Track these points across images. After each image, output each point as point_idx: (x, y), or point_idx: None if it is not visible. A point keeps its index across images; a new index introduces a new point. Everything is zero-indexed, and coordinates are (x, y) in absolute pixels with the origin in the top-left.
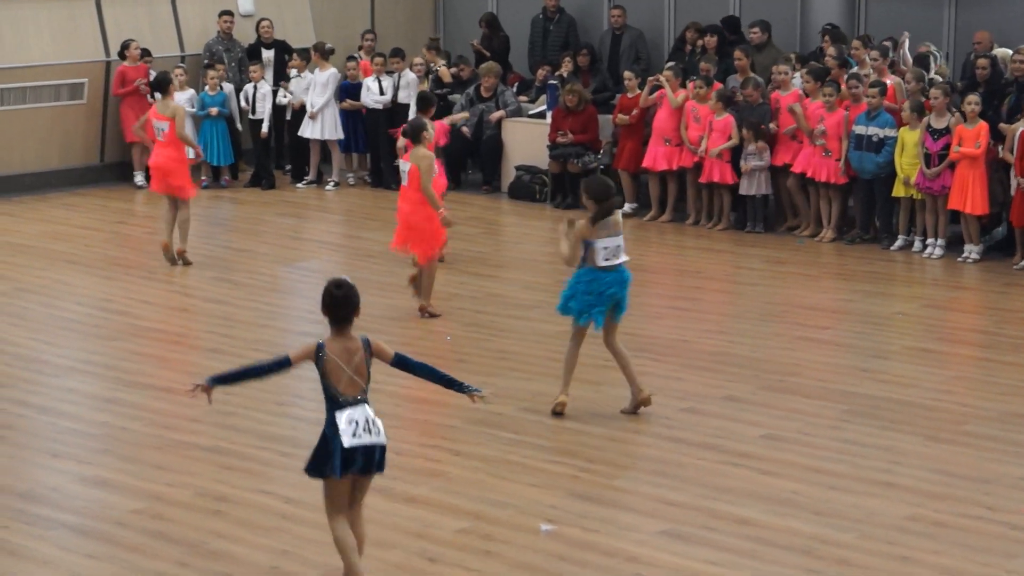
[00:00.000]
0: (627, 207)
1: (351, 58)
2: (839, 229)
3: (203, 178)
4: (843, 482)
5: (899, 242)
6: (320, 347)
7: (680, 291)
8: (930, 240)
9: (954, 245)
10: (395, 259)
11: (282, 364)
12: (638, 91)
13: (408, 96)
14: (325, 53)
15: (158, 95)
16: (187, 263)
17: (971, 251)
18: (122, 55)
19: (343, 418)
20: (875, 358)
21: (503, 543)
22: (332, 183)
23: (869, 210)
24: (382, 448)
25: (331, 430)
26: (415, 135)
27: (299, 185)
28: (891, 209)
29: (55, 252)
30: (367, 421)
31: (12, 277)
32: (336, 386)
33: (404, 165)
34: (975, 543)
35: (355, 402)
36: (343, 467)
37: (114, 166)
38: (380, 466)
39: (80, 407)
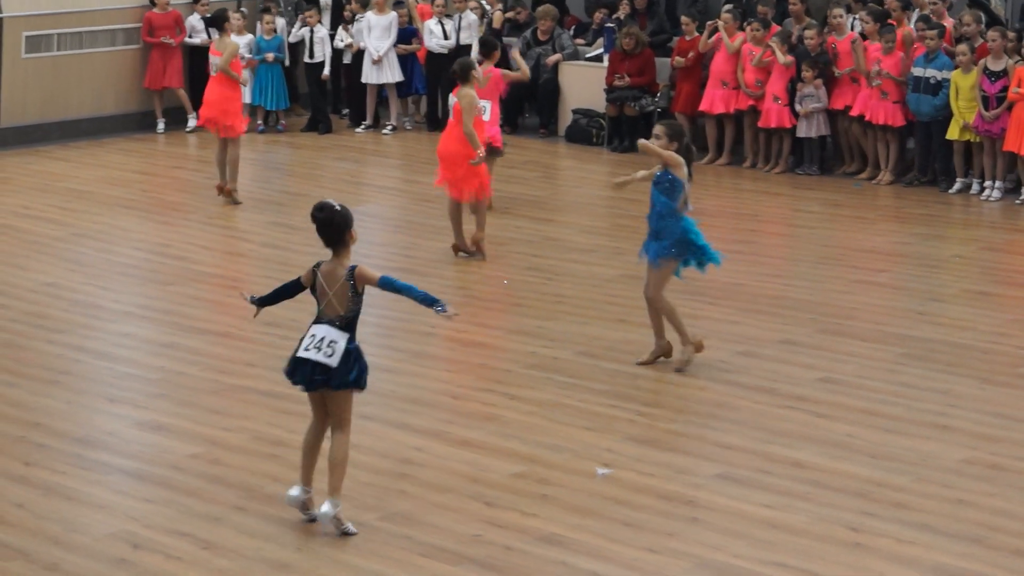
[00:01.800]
0: None
1: (398, 3)
2: (897, 172)
3: (259, 122)
4: (899, 425)
5: (957, 185)
6: (316, 266)
7: (737, 234)
8: (988, 182)
9: (1012, 188)
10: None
11: (296, 284)
12: (696, 34)
13: (470, 37)
14: None
15: (214, 31)
16: (236, 202)
17: None
18: (152, 1)
19: (309, 331)
20: (931, 301)
21: (559, 487)
22: (390, 127)
23: (927, 153)
24: (323, 367)
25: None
26: (463, 74)
27: (358, 130)
28: (949, 152)
29: (112, 197)
30: (322, 340)
31: (69, 223)
32: (319, 303)
33: (452, 100)
34: None
35: (327, 321)
36: (290, 376)
37: (170, 111)
38: (335, 384)
39: (137, 352)
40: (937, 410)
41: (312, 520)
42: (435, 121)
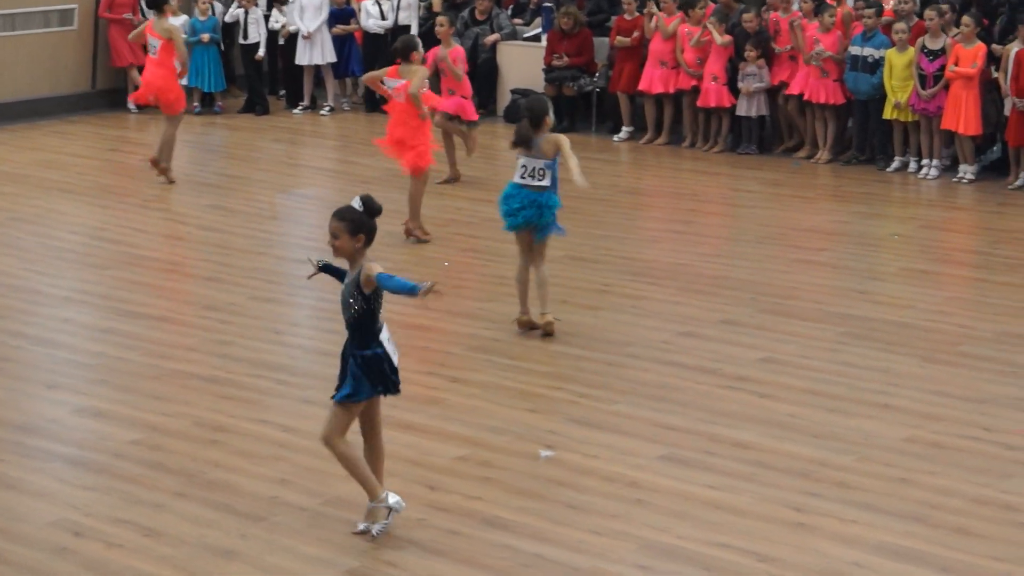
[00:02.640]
0: (624, 131)
1: None
2: (835, 150)
3: (195, 104)
4: (841, 404)
5: (895, 163)
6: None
7: (677, 214)
8: (925, 161)
9: (950, 166)
10: (390, 185)
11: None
12: (637, 14)
13: (409, 17)
14: None
15: (153, 13)
16: (170, 181)
17: (966, 171)
18: None
19: (384, 339)
20: (871, 280)
21: (502, 469)
22: (327, 108)
23: (865, 131)
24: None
25: (381, 350)
26: (405, 52)
27: (295, 111)
28: (887, 130)
29: (48, 180)
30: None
31: (5, 207)
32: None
33: (392, 82)
34: (972, 464)
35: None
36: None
37: (106, 93)
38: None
39: (76, 337)
40: (879, 389)
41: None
42: (373, 102)
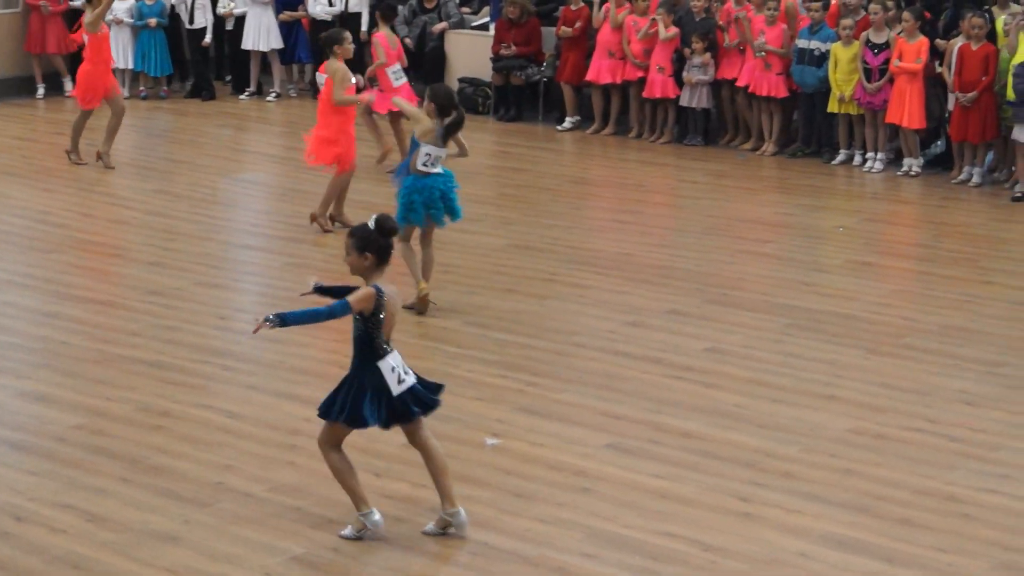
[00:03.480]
0: (569, 121)
1: None
2: (780, 143)
3: (141, 88)
4: (786, 395)
5: (840, 156)
6: (380, 292)
7: (623, 204)
8: (870, 154)
9: (895, 159)
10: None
11: (343, 309)
12: (582, 4)
13: (359, 4)
14: None
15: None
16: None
17: (911, 165)
18: None
19: (386, 368)
20: (816, 272)
21: (449, 457)
22: (273, 94)
23: (811, 124)
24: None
25: (374, 381)
26: (327, 46)
27: (241, 97)
28: (832, 123)
29: None
30: (400, 365)
31: None
32: (387, 334)
33: (321, 77)
34: (916, 455)
35: (391, 349)
36: (389, 419)
37: (48, 76)
38: (431, 405)
39: (19, 321)
40: (823, 380)
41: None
42: (319, 88)
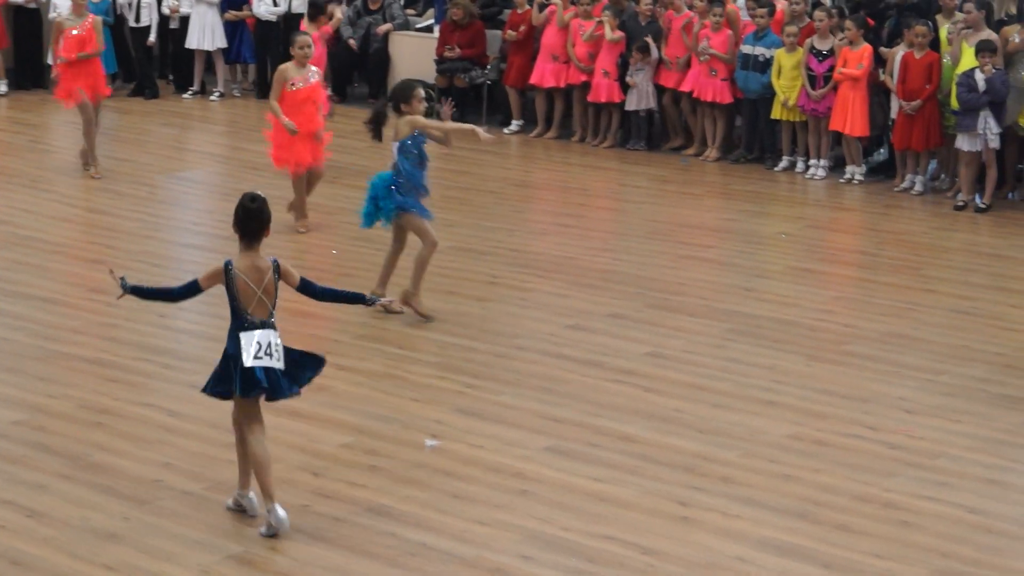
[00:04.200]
0: (514, 124)
1: None
2: (723, 149)
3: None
4: (726, 400)
5: (783, 163)
6: (228, 265)
7: (565, 208)
8: (813, 161)
9: (837, 166)
10: (279, 172)
11: (192, 289)
12: (527, 7)
13: (302, 5)
14: None
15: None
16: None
17: (853, 172)
18: None
19: (248, 339)
20: (758, 277)
21: (388, 458)
22: (217, 94)
23: (754, 130)
24: (282, 373)
25: (234, 349)
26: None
27: (184, 96)
28: (775, 129)
29: None
30: (270, 345)
31: None
32: (246, 307)
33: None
34: (855, 462)
35: (263, 324)
36: (244, 388)
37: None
38: (289, 391)
39: None
40: (764, 386)
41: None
42: (264, 88)
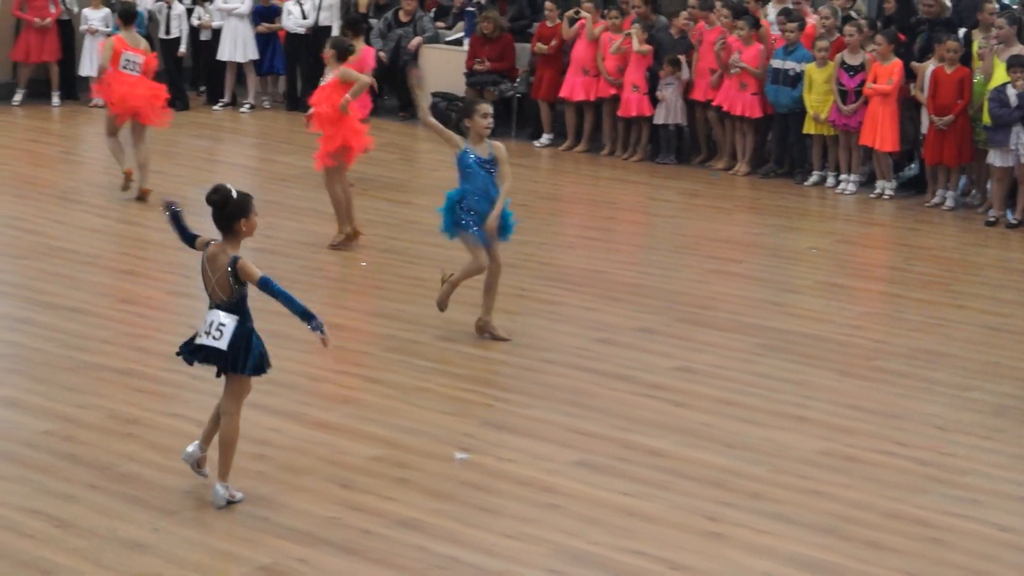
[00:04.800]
0: (544, 137)
1: None
2: (753, 163)
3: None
4: (755, 415)
5: (813, 177)
6: (206, 246)
7: (594, 222)
8: (843, 176)
9: (869, 181)
10: (308, 183)
11: (192, 239)
12: (558, 20)
13: (330, 18)
14: None
15: (122, 25)
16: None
17: (884, 187)
18: None
19: (206, 317)
20: (787, 292)
21: (417, 471)
22: (247, 105)
23: (784, 144)
24: (216, 351)
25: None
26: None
27: (215, 107)
28: (805, 144)
29: None
30: (211, 324)
31: None
32: (205, 286)
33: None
34: (885, 478)
35: (216, 305)
36: (189, 362)
37: (29, 83)
38: (229, 368)
39: None
40: (793, 401)
41: (203, 476)
42: (294, 100)
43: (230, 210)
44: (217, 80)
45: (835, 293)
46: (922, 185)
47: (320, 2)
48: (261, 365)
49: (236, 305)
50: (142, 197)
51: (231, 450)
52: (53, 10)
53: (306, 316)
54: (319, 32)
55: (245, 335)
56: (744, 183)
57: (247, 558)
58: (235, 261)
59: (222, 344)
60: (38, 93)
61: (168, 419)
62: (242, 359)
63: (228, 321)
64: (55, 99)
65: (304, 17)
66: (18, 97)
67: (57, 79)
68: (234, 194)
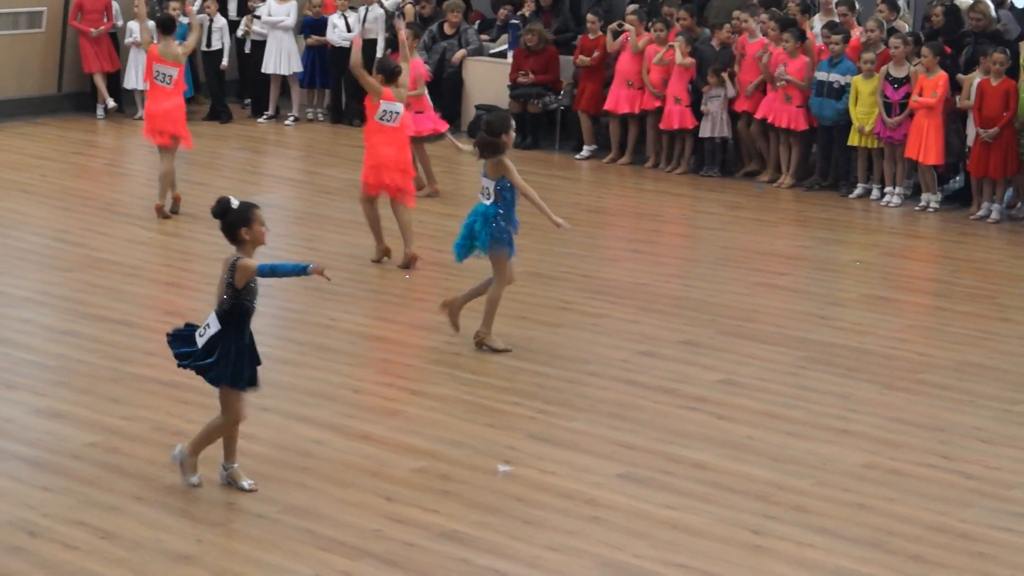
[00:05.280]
0: (586, 149)
1: None
2: (798, 175)
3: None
4: (799, 428)
5: (858, 190)
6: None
7: (638, 234)
8: (888, 188)
9: (915, 194)
10: (353, 196)
11: (297, 269)
12: (600, 33)
13: (375, 31)
14: None
15: (160, 35)
16: (166, 216)
17: (929, 200)
18: None
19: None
20: (832, 305)
21: (460, 483)
22: (291, 118)
23: (829, 157)
24: (193, 352)
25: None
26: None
27: (259, 120)
28: (850, 156)
29: (11, 182)
30: (204, 325)
31: None
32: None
33: (394, 106)
34: (930, 491)
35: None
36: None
37: (72, 96)
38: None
39: (36, 338)
40: (837, 414)
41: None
42: (338, 113)
43: (231, 220)
44: (262, 93)
45: (880, 306)
46: (967, 198)
47: (365, 15)
48: (235, 379)
49: (227, 315)
50: (175, 209)
51: (209, 439)
52: (107, 21)
53: (301, 270)
54: (364, 45)
55: (227, 347)
56: (788, 195)
57: (290, 570)
58: (235, 260)
59: (200, 342)
60: (83, 106)
61: None
62: (213, 369)
63: (212, 323)
64: (100, 111)
65: (349, 30)
66: (101, 112)
67: (104, 91)
68: (234, 204)
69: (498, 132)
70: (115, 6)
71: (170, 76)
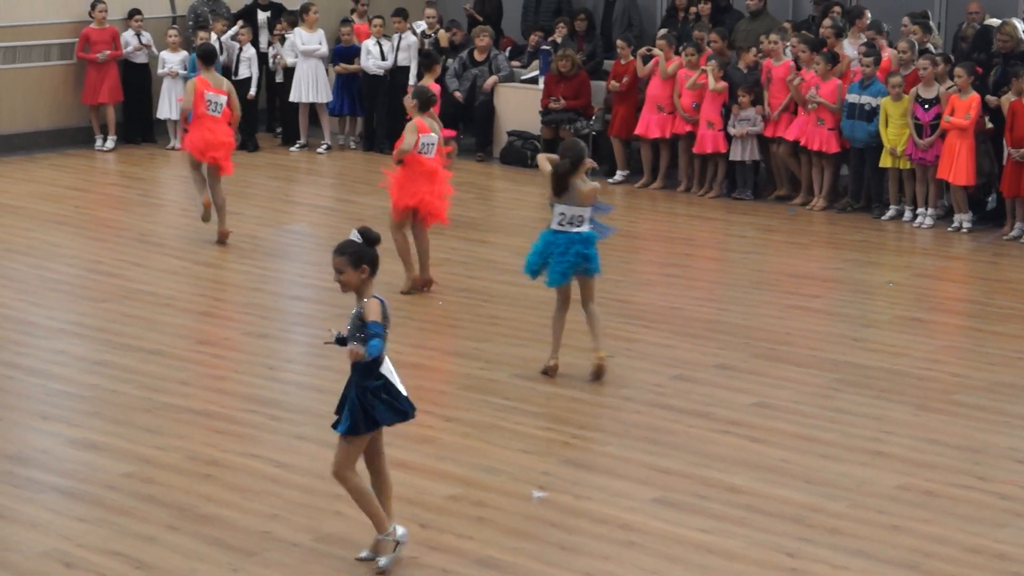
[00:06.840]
0: (619, 174)
1: (345, 22)
2: (830, 198)
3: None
4: (833, 451)
5: (890, 211)
6: (382, 301)
7: (671, 258)
8: (920, 209)
9: (944, 215)
10: (386, 224)
11: (380, 333)
12: (631, 58)
13: (408, 59)
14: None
15: (202, 66)
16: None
17: (961, 221)
18: (90, 16)
19: (387, 370)
20: (865, 327)
21: (495, 509)
22: (324, 146)
23: (861, 179)
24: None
25: (381, 381)
26: (575, 159)
27: (292, 149)
28: (882, 178)
29: (44, 213)
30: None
31: (1, 238)
32: None
33: (431, 138)
34: (965, 512)
35: None
36: (396, 417)
37: (105, 127)
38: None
39: (70, 369)
40: (872, 436)
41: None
42: (371, 141)
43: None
44: (292, 122)
45: (913, 327)
46: (1000, 218)
47: (399, 43)
48: (354, 428)
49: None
50: (222, 240)
51: (361, 506)
52: (114, 48)
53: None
54: (397, 72)
55: (352, 393)
56: (821, 218)
57: None
58: (364, 302)
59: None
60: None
61: (247, 460)
62: (343, 418)
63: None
64: (99, 142)
65: (383, 58)
66: (105, 142)
67: (113, 123)
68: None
69: (581, 159)
70: (124, 37)
71: (220, 104)
